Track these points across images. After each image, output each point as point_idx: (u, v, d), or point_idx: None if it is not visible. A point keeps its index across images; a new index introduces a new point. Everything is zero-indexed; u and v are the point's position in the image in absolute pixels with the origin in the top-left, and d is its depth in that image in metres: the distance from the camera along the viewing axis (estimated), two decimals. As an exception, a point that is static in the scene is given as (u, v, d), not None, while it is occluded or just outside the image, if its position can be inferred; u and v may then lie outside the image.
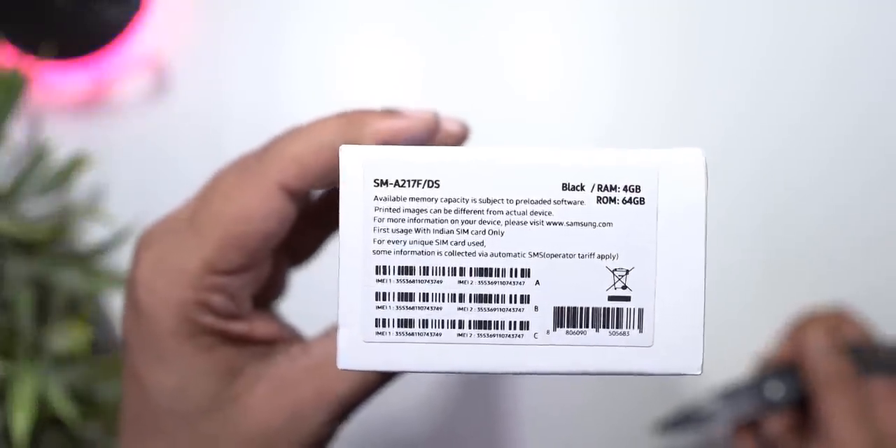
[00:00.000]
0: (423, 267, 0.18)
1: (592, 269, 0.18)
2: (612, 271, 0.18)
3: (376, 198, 0.18)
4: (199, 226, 0.21)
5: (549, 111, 0.42)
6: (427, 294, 0.18)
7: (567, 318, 0.18)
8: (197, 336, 0.22)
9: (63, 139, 0.41)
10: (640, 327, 0.18)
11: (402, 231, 0.18)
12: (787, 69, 0.42)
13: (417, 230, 0.18)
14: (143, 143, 0.42)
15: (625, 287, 0.18)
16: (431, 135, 0.22)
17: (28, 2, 0.40)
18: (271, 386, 0.22)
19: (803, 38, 0.42)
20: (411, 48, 0.42)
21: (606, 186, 0.17)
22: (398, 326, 0.18)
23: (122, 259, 0.41)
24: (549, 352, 0.18)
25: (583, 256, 0.18)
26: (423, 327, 0.18)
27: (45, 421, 0.37)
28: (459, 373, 0.18)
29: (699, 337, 0.18)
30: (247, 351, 0.23)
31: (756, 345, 0.41)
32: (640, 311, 0.18)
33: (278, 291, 0.27)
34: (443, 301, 0.18)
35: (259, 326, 0.23)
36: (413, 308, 0.18)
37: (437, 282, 0.18)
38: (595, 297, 0.18)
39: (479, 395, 0.43)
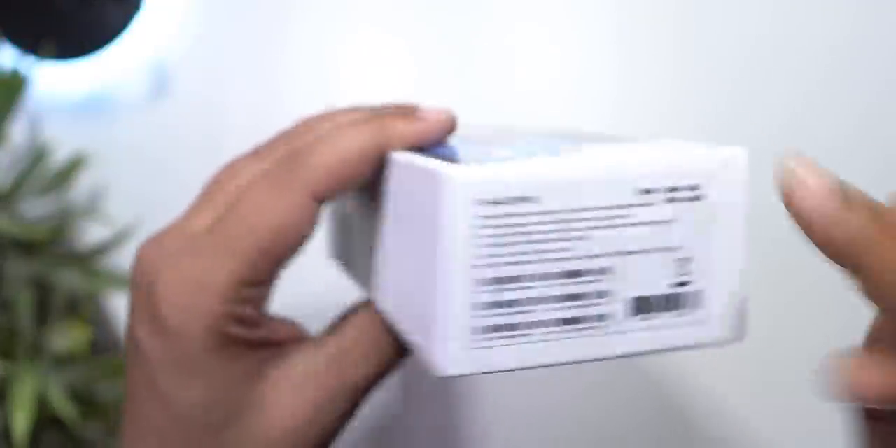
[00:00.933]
0: (518, 276, 0.19)
1: (661, 261, 0.20)
2: (677, 261, 0.20)
3: (476, 216, 0.18)
4: (230, 239, 0.21)
5: (547, 107, 0.42)
6: (520, 299, 0.19)
7: (642, 306, 0.20)
8: (226, 347, 0.22)
9: (63, 139, 0.41)
10: (700, 307, 0.20)
11: (499, 245, 0.19)
12: (785, 63, 0.42)
13: (513, 243, 0.19)
14: (143, 143, 0.42)
15: (687, 274, 0.20)
16: (451, 132, 0.23)
17: (28, 2, 0.40)
18: (294, 384, 0.23)
19: (801, 31, 0.42)
20: (410, 47, 0.42)
21: (674, 187, 0.20)
22: (496, 332, 0.19)
23: (122, 259, 0.41)
24: (627, 337, 0.20)
25: (653, 251, 0.20)
26: (519, 330, 0.19)
27: (45, 421, 0.37)
28: (553, 366, 0.20)
29: (746, 309, 0.20)
30: (264, 354, 0.23)
31: (754, 343, 0.41)
32: (700, 293, 0.20)
33: None
34: (536, 304, 0.19)
35: (277, 329, 0.23)
36: (508, 314, 0.19)
37: (530, 287, 0.19)
38: (664, 285, 0.20)
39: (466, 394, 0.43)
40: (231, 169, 0.24)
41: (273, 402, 0.23)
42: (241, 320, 0.22)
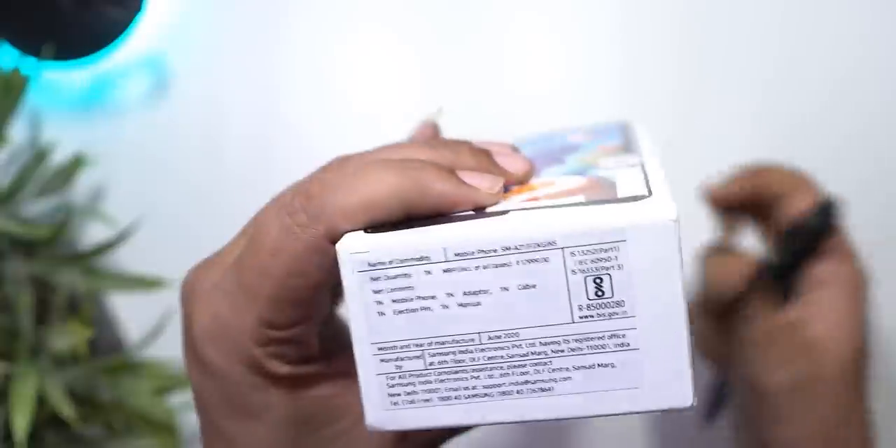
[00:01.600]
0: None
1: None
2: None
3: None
4: (249, 284, 0.20)
5: (549, 109, 0.42)
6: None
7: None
8: (279, 385, 0.21)
9: (63, 139, 0.41)
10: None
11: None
12: (791, 66, 0.42)
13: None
14: (142, 143, 0.42)
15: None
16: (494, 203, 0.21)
17: (29, 2, 0.40)
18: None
19: (806, 34, 0.42)
20: (410, 48, 0.42)
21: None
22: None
23: (122, 259, 0.41)
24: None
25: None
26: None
27: (45, 421, 0.37)
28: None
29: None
30: (340, 386, 0.22)
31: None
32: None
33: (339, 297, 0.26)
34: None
35: (338, 362, 0.22)
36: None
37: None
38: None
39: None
40: (271, 200, 0.23)
41: (354, 437, 0.22)
42: (282, 358, 0.21)
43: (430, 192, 0.19)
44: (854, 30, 0.41)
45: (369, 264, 0.19)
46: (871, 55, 0.41)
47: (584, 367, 0.19)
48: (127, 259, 0.41)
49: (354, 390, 0.22)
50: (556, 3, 0.42)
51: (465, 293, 0.19)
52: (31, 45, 0.39)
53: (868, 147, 0.42)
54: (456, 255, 0.18)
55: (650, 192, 0.19)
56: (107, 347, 0.42)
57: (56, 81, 0.42)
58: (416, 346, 0.19)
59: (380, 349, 0.19)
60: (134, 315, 0.43)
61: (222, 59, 0.42)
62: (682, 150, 0.42)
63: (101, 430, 0.38)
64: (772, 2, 0.41)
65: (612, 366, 0.19)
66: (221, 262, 0.22)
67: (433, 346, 0.19)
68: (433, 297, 0.19)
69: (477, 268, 0.19)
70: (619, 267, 0.18)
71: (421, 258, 0.19)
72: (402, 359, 0.19)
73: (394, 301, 0.19)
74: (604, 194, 0.19)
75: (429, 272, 0.19)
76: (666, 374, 0.18)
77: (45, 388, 0.35)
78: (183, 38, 0.42)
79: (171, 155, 0.42)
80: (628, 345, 0.18)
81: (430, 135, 0.27)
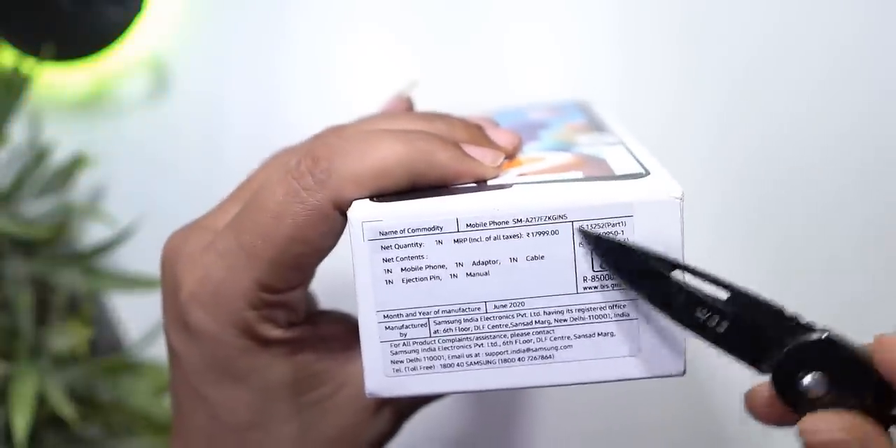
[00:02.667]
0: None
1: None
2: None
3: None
4: (250, 246, 0.20)
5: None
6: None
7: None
8: (269, 349, 0.21)
9: (63, 139, 0.41)
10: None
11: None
12: (787, 65, 0.41)
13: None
14: (143, 143, 0.42)
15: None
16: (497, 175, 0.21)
17: (28, 2, 0.40)
18: (356, 389, 0.22)
19: (803, 33, 0.41)
20: (410, 48, 0.42)
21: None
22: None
23: (122, 259, 0.41)
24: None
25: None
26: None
27: (45, 421, 0.37)
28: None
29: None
30: (323, 352, 0.22)
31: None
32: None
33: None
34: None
35: (324, 326, 0.22)
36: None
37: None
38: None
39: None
40: (266, 165, 0.23)
41: (332, 404, 0.22)
42: (273, 321, 0.21)
43: (437, 162, 0.20)
44: (854, 30, 0.41)
45: (381, 233, 0.19)
46: (871, 55, 0.41)
47: (585, 335, 0.20)
48: (127, 259, 0.41)
49: (337, 356, 0.22)
50: (555, 3, 0.42)
51: (474, 263, 0.19)
52: (31, 45, 0.39)
53: (868, 147, 0.42)
54: (468, 225, 0.19)
55: (647, 171, 0.20)
56: (107, 347, 0.42)
57: (56, 81, 0.42)
58: (423, 314, 0.19)
59: (385, 317, 0.19)
60: (134, 315, 0.43)
61: (222, 59, 0.42)
62: (683, 151, 0.42)
63: (101, 430, 0.38)
64: (771, 2, 0.41)
65: (612, 335, 0.20)
66: (209, 226, 0.22)
67: (439, 314, 0.19)
68: (443, 267, 0.19)
69: (488, 239, 0.19)
70: (625, 240, 0.19)
71: (433, 228, 0.19)
72: (407, 326, 0.20)
73: (403, 270, 0.19)
74: (600, 171, 0.20)
75: (440, 242, 0.19)
76: (661, 343, 0.20)
77: (45, 388, 0.35)
78: (183, 38, 0.42)
79: (171, 155, 0.42)
80: (628, 315, 0.19)
81: (404, 109, 0.27)
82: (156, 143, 0.42)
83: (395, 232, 0.19)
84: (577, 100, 0.32)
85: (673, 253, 0.19)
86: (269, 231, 0.19)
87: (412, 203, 0.19)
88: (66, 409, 0.35)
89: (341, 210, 0.19)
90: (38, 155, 0.39)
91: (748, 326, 0.19)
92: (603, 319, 0.20)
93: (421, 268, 0.19)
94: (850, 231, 0.42)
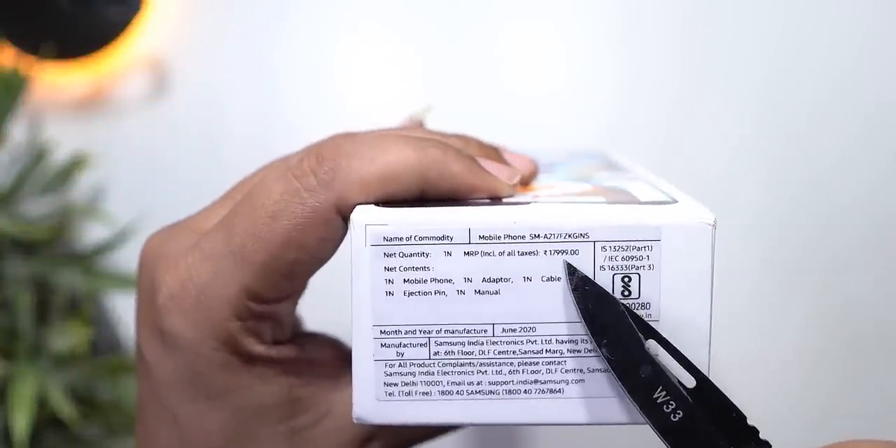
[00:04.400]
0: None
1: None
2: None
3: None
4: (240, 247, 0.18)
5: (550, 111, 0.42)
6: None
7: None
8: (250, 366, 0.19)
9: (63, 139, 0.41)
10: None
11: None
12: (792, 69, 0.41)
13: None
14: (143, 143, 0.42)
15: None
16: (506, 196, 0.19)
17: (28, 2, 0.40)
18: (340, 421, 0.20)
19: (807, 37, 0.41)
20: (410, 48, 0.42)
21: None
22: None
23: (122, 259, 0.41)
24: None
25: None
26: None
27: (45, 421, 0.37)
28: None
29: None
30: (308, 376, 0.20)
31: (756, 347, 0.41)
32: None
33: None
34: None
35: (310, 348, 0.20)
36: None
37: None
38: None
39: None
40: (264, 167, 0.21)
41: (313, 435, 0.20)
42: (258, 335, 0.19)
43: (450, 172, 0.18)
44: (854, 30, 0.41)
45: (385, 239, 0.17)
46: (871, 56, 0.41)
47: (600, 370, 0.18)
48: (127, 259, 0.41)
49: (323, 382, 0.20)
50: (556, 4, 0.42)
51: (484, 280, 0.18)
52: (31, 45, 0.39)
53: (868, 147, 0.41)
54: (481, 237, 0.17)
55: (675, 200, 0.18)
56: (107, 347, 0.42)
57: (56, 81, 0.42)
58: (423, 332, 0.18)
59: (382, 332, 0.18)
60: (134, 315, 0.43)
61: (222, 59, 0.42)
62: (682, 151, 0.42)
63: (101, 430, 0.38)
64: (772, 3, 0.41)
65: None
66: (194, 227, 0.20)
67: (441, 335, 0.18)
68: (450, 281, 0.18)
69: (501, 254, 0.17)
70: (650, 267, 0.17)
71: (443, 237, 0.17)
72: (405, 345, 0.18)
73: (405, 281, 0.18)
74: (626, 198, 0.19)
75: (449, 253, 0.17)
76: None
77: (45, 388, 0.35)
78: (183, 38, 0.42)
79: (171, 155, 0.42)
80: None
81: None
82: (156, 143, 0.42)
83: (401, 239, 0.17)
84: (595, 149, 0.31)
85: (702, 284, 0.17)
86: (263, 232, 0.18)
87: (420, 210, 0.18)
88: (66, 409, 0.35)
89: (343, 215, 0.18)
90: (38, 155, 0.39)
91: (702, 427, 0.17)
92: None
93: (426, 280, 0.18)
94: (851, 231, 0.41)
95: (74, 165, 0.40)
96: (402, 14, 0.42)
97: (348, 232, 0.18)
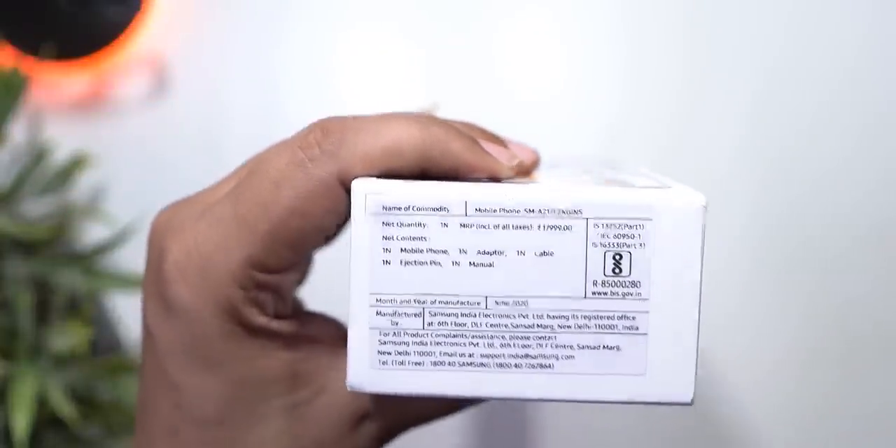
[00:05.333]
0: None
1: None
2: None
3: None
4: (245, 216, 0.18)
5: (550, 111, 0.42)
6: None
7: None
8: (249, 337, 0.19)
9: (63, 139, 0.41)
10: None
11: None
12: (792, 69, 0.42)
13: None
14: (143, 143, 0.42)
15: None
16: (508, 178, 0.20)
17: (28, 2, 0.40)
18: (337, 398, 0.20)
19: (809, 37, 0.41)
20: (411, 48, 0.42)
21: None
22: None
23: (122, 259, 0.41)
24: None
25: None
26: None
27: (45, 421, 0.37)
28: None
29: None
30: (307, 352, 0.20)
31: (752, 347, 0.41)
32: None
33: (304, 279, 0.24)
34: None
35: (311, 326, 0.21)
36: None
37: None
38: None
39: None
40: (270, 146, 0.21)
41: (310, 412, 0.20)
42: (260, 306, 0.19)
43: (451, 151, 0.18)
44: (855, 31, 0.41)
45: (384, 207, 0.18)
46: (873, 56, 0.41)
47: (589, 346, 0.18)
48: (127, 259, 0.41)
49: (321, 359, 0.20)
50: (556, 4, 0.42)
51: (479, 252, 0.18)
52: (31, 44, 0.39)
53: (868, 147, 0.42)
54: (477, 210, 0.18)
55: (670, 186, 0.19)
56: (107, 347, 0.42)
57: (56, 81, 0.42)
58: (418, 302, 0.18)
59: (378, 301, 0.18)
60: (134, 315, 0.43)
61: (222, 59, 0.42)
62: (682, 151, 0.42)
63: (101, 430, 0.38)
64: (774, 3, 0.41)
65: (618, 349, 0.18)
66: (203, 200, 0.20)
67: (435, 305, 0.18)
68: (445, 252, 0.18)
69: (496, 227, 0.18)
70: (642, 245, 0.18)
71: (440, 208, 0.18)
72: (399, 314, 0.18)
73: (402, 250, 0.18)
74: (621, 184, 0.19)
75: (445, 224, 0.18)
76: (670, 365, 0.18)
77: (45, 388, 0.35)
78: (183, 38, 0.42)
79: (172, 155, 0.42)
80: (637, 329, 0.18)
81: None
82: (156, 143, 0.42)
83: (399, 208, 0.18)
84: (596, 155, 0.32)
85: (692, 265, 0.18)
86: (268, 200, 0.18)
87: (420, 182, 0.18)
88: (66, 409, 0.35)
89: (346, 187, 0.18)
90: (38, 155, 0.39)
91: None
92: (610, 330, 0.18)
93: (422, 251, 0.18)
94: (849, 232, 0.42)
95: (74, 165, 0.40)
96: (402, 14, 0.42)
97: (345, 205, 0.18)
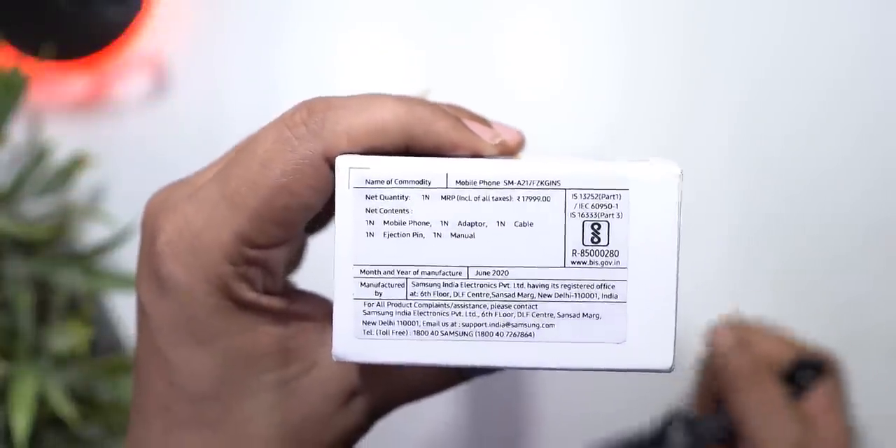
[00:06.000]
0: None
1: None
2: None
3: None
4: (233, 193, 0.19)
5: (550, 111, 0.42)
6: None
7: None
8: (240, 314, 0.20)
9: (63, 139, 0.41)
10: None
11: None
12: (792, 70, 0.42)
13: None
14: (143, 143, 0.42)
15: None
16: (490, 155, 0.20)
17: (28, 2, 0.40)
18: (326, 373, 0.21)
19: (808, 37, 0.41)
20: (410, 48, 0.42)
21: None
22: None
23: (122, 259, 0.41)
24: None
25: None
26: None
27: (45, 421, 0.37)
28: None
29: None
30: (296, 329, 0.21)
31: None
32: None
33: (298, 261, 0.24)
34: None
35: (301, 303, 0.21)
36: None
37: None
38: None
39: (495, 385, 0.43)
40: (262, 126, 0.22)
41: (301, 387, 0.21)
42: (249, 282, 0.20)
43: (434, 128, 0.19)
44: (853, 31, 0.41)
45: (367, 181, 0.19)
46: (872, 56, 0.41)
47: (570, 315, 0.19)
48: (127, 259, 0.41)
49: (311, 336, 0.21)
50: (556, 3, 0.42)
51: (460, 223, 0.19)
52: (31, 45, 0.39)
53: (867, 148, 0.42)
54: (457, 182, 0.18)
55: (649, 160, 0.19)
56: (107, 347, 0.42)
57: (56, 81, 0.42)
58: (401, 273, 0.19)
59: (362, 272, 0.19)
60: (134, 315, 0.43)
61: (222, 58, 0.42)
62: (682, 151, 0.42)
63: (101, 430, 0.38)
64: (773, 3, 0.41)
65: (598, 317, 0.19)
66: (195, 181, 0.21)
67: (418, 276, 0.19)
68: (427, 224, 0.19)
69: (476, 198, 0.18)
70: (619, 215, 0.18)
71: (421, 181, 0.19)
72: (383, 285, 0.19)
73: (385, 223, 0.19)
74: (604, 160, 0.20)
75: (426, 197, 0.19)
76: (649, 332, 0.19)
77: (45, 388, 0.35)
78: (183, 38, 0.42)
79: (172, 155, 0.42)
80: (616, 297, 0.18)
81: None
82: (156, 143, 0.42)
83: (382, 181, 0.18)
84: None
85: (669, 233, 0.18)
86: (256, 177, 0.19)
87: (403, 158, 0.19)
88: (66, 409, 0.35)
89: (331, 164, 0.19)
90: (38, 155, 0.39)
91: None
92: (590, 299, 0.19)
93: (405, 223, 0.19)
94: (851, 231, 0.42)
95: (74, 165, 0.40)
96: (403, 14, 0.42)
97: (330, 183, 0.19)
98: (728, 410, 0.35)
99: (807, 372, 0.35)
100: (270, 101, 0.42)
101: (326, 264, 0.20)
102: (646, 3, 0.42)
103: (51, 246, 0.39)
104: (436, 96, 0.43)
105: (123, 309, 0.43)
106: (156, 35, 0.42)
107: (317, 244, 0.25)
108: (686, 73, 0.42)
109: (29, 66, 0.39)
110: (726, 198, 0.42)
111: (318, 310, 0.21)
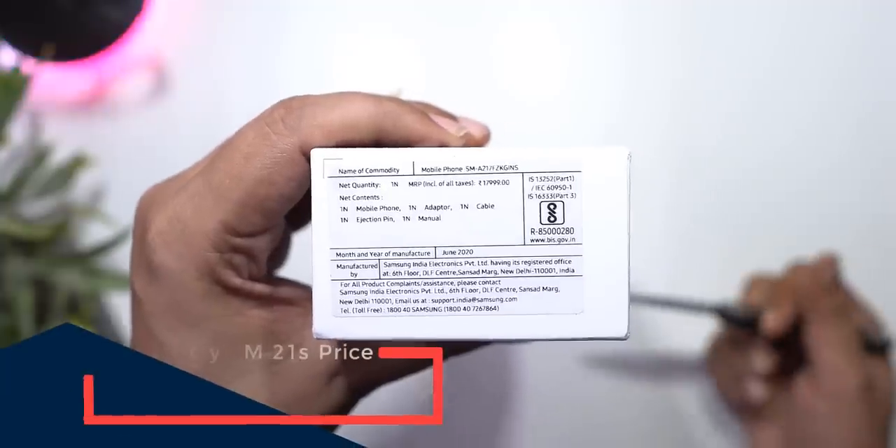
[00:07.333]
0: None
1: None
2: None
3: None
4: (218, 186, 0.20)
5: (550, 111, 0.42)
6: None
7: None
8: (227, 298, 0.21)
9: (63, 139, 0.41)
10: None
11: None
12: (791, 70, 0.42)
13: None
14: (143, 143, 0.42)
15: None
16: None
17: (28, 2, 0.40)
18: (310, 355, 0.22)
19: (807, 38, 0.42)
20: (410, 47, 0.42)
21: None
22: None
23: (122, 259, 0.41)
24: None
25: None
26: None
27: (45, 421, 0.37)
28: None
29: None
30: (280, 313, 0.22)
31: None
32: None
33: (283, 256, 0.26)
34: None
35: (285, 290, 0.22)
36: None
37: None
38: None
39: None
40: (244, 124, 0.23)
41: (287, 367, 0.22)
42: (235, 268, 0.21)
43: (402, 122, 0.20)
44: (852, 31, 0.41)
45: (340, 171, 0.20)
46: (871, 55, 0.41)
47: (530, 289, 0.20)
48: (127, 259, 0.41)
49: (294, 319, 0.22)
50: (556, 4, 0.42)
51: (427, 207, 0.20)
52: (31, 45, 0.39)
53: (866, 147, 0.42)
54: (423, 169, 0.20)
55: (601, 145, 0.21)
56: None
57: (56, 81, 0.42)
58: (374, 255, 0.20)
59: (338, 255, 0.20)
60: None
61: (222, 59, 0.42)
62: (682, 151, 0.42)
63: (101, 429, 0.38)
64: (773, 3, 0.41)
65: (556, 290, 0.20)
66: (184, 177, 0.22)
67: (390, 257, 0.20)
68: (396, 208, 0.20)
69: (441, 184, 0.20)
70: (573, 195, 0.20)
71: (390, 169, 0.20)
72: (357, 266, 0.20)
73: (358, 208, 0.20)
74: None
75: (395, 184, 0.20)
76: (605, 302, 0.20)
77: (45, 388, 0.35)
78: (183, 38, 0.42)
79: (172, 155, 0.42)
80: (573, 271, 0.20)
81: None
82: (156, 143, 0.42)
83: (354, 171, 0.20)
84: None
85: (620, 211, 0.20)
86: (238, 171, 0.20)
87: (373, 149, 0.20)
88: (66, 409, 0.35)
89: (307, 157, 0.20)
90: (38, 155, 0.39)
91: None
92: (548, 273, 0.20)
93: (376, 208, 0.20)
94: (851, 231, 0.42)
95: (74, 165, 0.40)
96: (402, 15, 0.42)
97: (307, 174, 0.20)
98: (801, 339, 0.36)
99: (884, 338, 0.37)
100: (270, 101, 0.42)
101: (307, 254, 0.21)
102: (645, 3, 0.42)
103: (51, 246, 0.40)
104: (436, 97, 0.43)
105: (123, 309, 0.43)
106: (156, 35, 0.42)
107: (298, 237, 0.26)
108: (686, 74, 0.42)
109: (29, 66, 0.39)
110: (726, 197, 0.42)
111: (301, 296, 0.23)
